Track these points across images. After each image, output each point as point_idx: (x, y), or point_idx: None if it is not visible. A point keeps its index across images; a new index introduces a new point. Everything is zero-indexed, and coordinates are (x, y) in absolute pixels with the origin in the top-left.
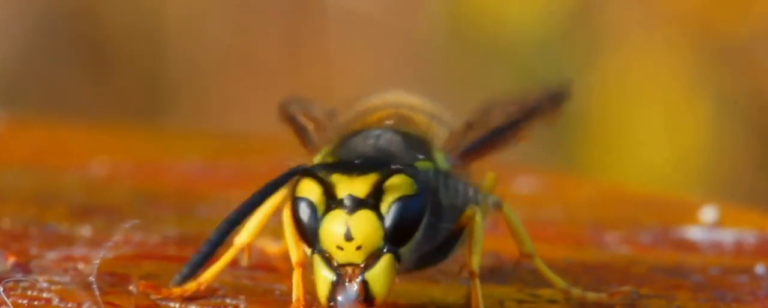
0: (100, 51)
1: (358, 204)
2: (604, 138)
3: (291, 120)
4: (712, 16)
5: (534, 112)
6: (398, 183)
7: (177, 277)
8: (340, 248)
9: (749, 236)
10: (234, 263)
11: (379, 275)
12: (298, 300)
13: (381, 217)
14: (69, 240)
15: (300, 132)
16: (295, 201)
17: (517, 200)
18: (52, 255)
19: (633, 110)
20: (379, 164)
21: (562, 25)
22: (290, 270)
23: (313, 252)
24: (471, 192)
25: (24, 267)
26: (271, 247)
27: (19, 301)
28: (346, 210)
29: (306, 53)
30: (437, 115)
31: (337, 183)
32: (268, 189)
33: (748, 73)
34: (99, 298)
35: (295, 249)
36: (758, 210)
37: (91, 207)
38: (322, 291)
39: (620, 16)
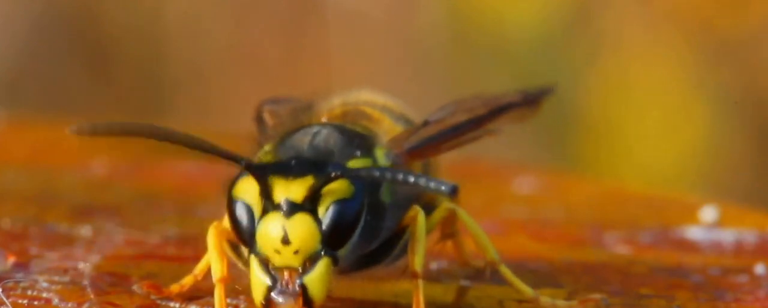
0: (100, 51)
1: (295, 207)
2: (604, 138)
3: (257, 118)
4: (711, 17)
5: (500, 111)
6: (334, 186)
7: (75, 127)
8: (278, 251)
9: (749, 236)
10: (234, 263)
11: (316, 279)
12: None
13: (318, 221)
14: (69, 240)
15: (260, 128)
16: (232, 202)
17: (517, 200)
18: (52, 255)
19: (633, 110)
20: (315, 166)
21: (562, 26)
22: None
23: (249, 254)
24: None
25: (24, 267)
26: None
27: (19, 301)
28: (283, 214)
29: (306, 53)
30: (401, 114)
31: (274, 185)
32: (208, 147)
33: (747, 74)
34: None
35: (218, 264)
36: (758, 210)
37: (91, 207)
38: (258, 293)
39: (620, 16)
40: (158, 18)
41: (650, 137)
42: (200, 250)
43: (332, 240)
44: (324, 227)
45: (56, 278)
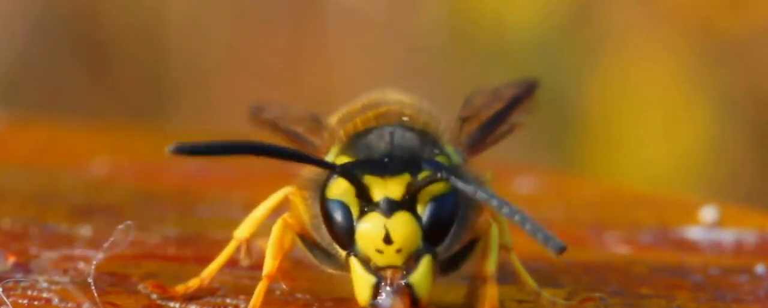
0: (100, 51)
1: (395, 206)
2: (604, 138)
3: (274, 126)
4: (711, 17)
5: (515, 103)
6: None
7: (174, 145)
8: (380, 251)
9: (749, 236)
10: (234, 263)
11: (422, 276)
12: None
13: (418, 218)
14: (69, 240)
15: (291, 136)
16: (327, 203)
17: (517, 200)
18: (52, 255)
19: (633, 110)
20: (409, 164)
21: (562, 26)
22: (290, 270)
23: (348, 255)
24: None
25: (24, 267)
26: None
27: (19, 301)
28: (383, 213)
29: (306, 53)
30: (426, 110)
31: (370, 185)
32: (303, 156)
33: (747, 74)
34: (98, 298)
35: (271, 260)
36: (758, 210)
37: (91, 207)
38: (363, 293)
39: (620, 16)
40: (159, 18)
41: (650, 137)
42: (201, 250)
43: (432, 237)
44: (425, 224)
45: (56, 278)
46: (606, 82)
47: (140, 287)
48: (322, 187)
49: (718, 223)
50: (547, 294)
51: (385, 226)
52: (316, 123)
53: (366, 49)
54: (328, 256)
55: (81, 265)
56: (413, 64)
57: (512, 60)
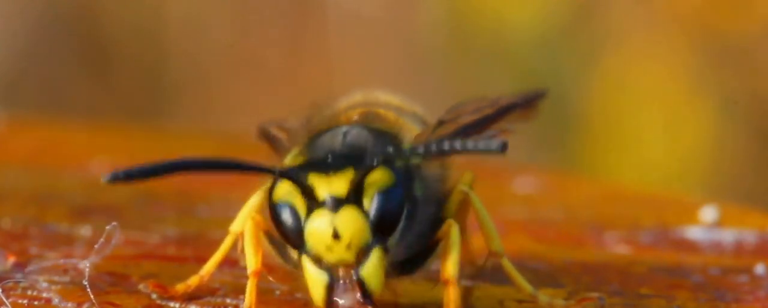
0: (100, 51)
1: (340, 202)
2: (604, 138)
3: (265, 135)
4: (712, 17)
5: (506, 109)
6: (375, 177)
7: (110, 174)
8: (329, 248)
9: (749, 236)
10: (234, 263)
11: (372, 270)
12: (250, 306)
13: (365, 212)
14: (69, 240)
15: (273, 143)
16: (274, 206)
17: (517, 200)
18: (52, 255)
19: (633, 110)
20: (352, 159)
21: (562, 26)
22: (291, 270)
23: (300, 255)
24: (441, 185)
25: (24, 267)
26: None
27: (19, 301)
28: (329, 209)
29: (306, 53)
30: (413, 113)
31: (315, 184)
32: (234, 165)
33: (748, 74)
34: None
35: (253, 257)
36: (758, 210)
37: (91, 207)
38: (317, 292)
39: (620, 16)
40: (159, 18)
41: (650, 137)
42: (200, 250)
43: (381, 229)
44: (372, 217)
45: (56, 278)
46: (606, 81)
47: (141, 287)
48: (269, 191)
49: (718, 223)
50: (543, 296)
51: (331, 222)
52: (300, 127)
53: (366, 49)
54: (290, 255)
55: (81, 265)
56: (413, 63)
57: (512, 60)
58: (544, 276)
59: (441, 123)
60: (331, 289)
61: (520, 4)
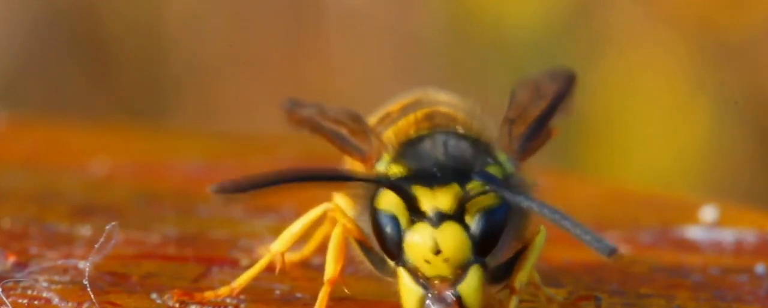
0: (100, 50)
1: (443, 217)
2: (604, 138)
3: (313, 125)
4: (712, 17)
5: (558, 101)
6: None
7: (216, 186)
8: (428, 261)
9: (749, 236)
10: (234, 263)
11: (471, 287)
12: None
13: (467, 229)
14: (69, 240)
15: (335, 138)
16: (377, 214)
17: None
18: (52, 255)
19: (633, 110)
20: (458, 174)
21: (562, 24)
22: (294, 271)
23: (396, 265)
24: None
25: (24, 267)
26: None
27: (19, 301)
28: (431, 224)
29: (306, 52)
30: (470, 111)
31: (419, 196)
32: (343, 176)
33: (748, 74)
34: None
35: (333, 265)
36: (758, 210)
37: (91, 207)
38: (411, 304)
39: (621, 16)
40: (159, 18)
41: (650, 137)
42: (201, 250)
43: (481, 247)
44: (475, 236)
45: (56, 278)
46: (606, 81)
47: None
48: (371, 199)
49: (718, 223)
50: (547, 290)
51: (433, 237)
52: (358, 124)
53: (366, 48)
54: (383, 262)
55: (81, 265)
56: (413, 63)
57: (512, 58)
58: (544, 276)
59: (512, 121)
60: (424, 302)
61: (520, 3)
